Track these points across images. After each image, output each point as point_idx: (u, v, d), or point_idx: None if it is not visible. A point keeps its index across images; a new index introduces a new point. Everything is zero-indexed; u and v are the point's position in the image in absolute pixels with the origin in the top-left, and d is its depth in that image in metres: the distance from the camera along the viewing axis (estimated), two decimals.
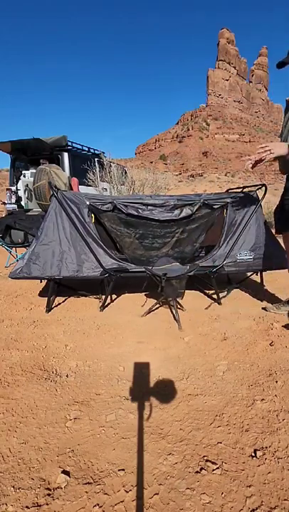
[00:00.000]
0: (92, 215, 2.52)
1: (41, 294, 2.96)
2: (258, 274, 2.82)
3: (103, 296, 2.67)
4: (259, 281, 2.82)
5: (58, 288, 2.77)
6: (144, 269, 2.38)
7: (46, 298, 2.54)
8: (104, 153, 6.45)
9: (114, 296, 2.86)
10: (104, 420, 1.27)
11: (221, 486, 0.97)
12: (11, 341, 1.99)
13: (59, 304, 2.69)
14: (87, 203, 2.46)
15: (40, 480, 1.00)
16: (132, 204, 2.52)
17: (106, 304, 2.62)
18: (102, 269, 2.42)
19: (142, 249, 2.70)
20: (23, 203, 5.63)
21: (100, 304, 2.60)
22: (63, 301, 2.75)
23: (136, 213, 2.52)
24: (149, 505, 0.92)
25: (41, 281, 3.21)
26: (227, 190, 3.26)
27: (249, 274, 3.17)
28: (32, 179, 4.89)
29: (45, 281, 3.10)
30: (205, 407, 1.35)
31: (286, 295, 2.89)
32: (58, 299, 2.77)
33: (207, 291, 2.96)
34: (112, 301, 2.77)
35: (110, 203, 2.49)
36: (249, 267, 2.64)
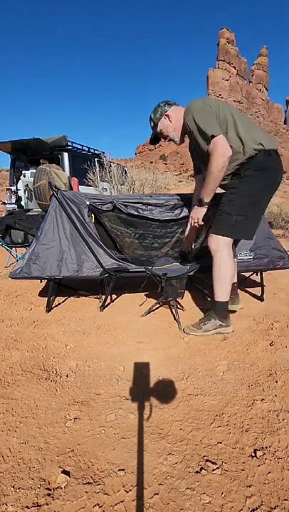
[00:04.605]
0: (92, 214, 2.51)
1: (41, 294, 2.96)
2: (258, 274, 2.82)
3: (103, 296, 2.67)
4: (259, 281, 2.81)
5: (58, 288, 2.77)
6: (144, 269, 2.38)
7: (46, 298, 2.54)
8: (104, 153, 6.45)
9: (114, 296, 2.86)
10: (104, 420, 1.27)
11: (221, 486, 0.97)
12: (11, 341, 1.98)
13: (59, 304, 2.69)
14: (87, 202, 2.46)
15: (40, 480, 1.00)
16: (132, 204, 2.52)
17: (106, 303, 2.61)
18: (102, 269, 2.42)
19: (142, 249, 2.70)
20: (23, 203, 5.63)
21: (100, 303, 2.59)
22: (63, 301, 2.75)
23: (136, 213, 2.52)
24: (149, 505, 0.92)
25: (41, 281, 3.21)
26: None
27: (249, 274, 3.17)
28: (32, 179, 4.89)
29: (45, 281, 3.10)
30: (205, 407, 1.35)
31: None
32: (58, 299, 2.77)
33: (207, 291, 2.96)
34: (111, 301, 2.77)
35: (110, 202, 2.49)
36: (249, 266, 2.63)
